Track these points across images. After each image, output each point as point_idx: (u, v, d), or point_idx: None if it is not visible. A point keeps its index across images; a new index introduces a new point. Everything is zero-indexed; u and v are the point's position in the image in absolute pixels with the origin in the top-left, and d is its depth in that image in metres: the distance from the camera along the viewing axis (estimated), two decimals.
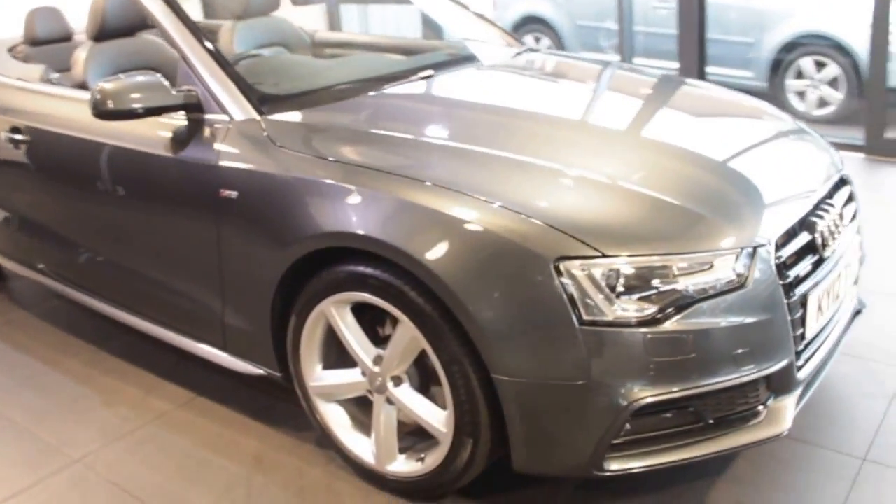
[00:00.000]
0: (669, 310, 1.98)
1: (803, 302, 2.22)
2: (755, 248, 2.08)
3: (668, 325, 1.97)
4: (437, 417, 2.24)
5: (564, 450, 2.09)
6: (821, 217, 2.35)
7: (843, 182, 2.62)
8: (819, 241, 2.30)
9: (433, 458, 2.28)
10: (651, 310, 1.97)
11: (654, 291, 1.98)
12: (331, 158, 2.32)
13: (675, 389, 2.01)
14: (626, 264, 1.98)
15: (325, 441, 2.62)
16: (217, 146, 2.52)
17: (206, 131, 2.58)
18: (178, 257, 2.70)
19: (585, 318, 1.96)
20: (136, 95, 2.54)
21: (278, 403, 2.86)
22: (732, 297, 2.02)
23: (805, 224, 2.30)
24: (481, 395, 2.11)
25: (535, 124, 2.65)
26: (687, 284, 2.00)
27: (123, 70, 3.24)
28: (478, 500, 2.35)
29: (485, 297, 2.01)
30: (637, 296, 1.98)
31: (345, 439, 2.47)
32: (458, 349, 2.09)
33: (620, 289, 1.98)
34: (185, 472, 2.54)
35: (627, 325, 1.97)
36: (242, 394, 2.93)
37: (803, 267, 2.24)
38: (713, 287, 2.01)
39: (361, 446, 2.45)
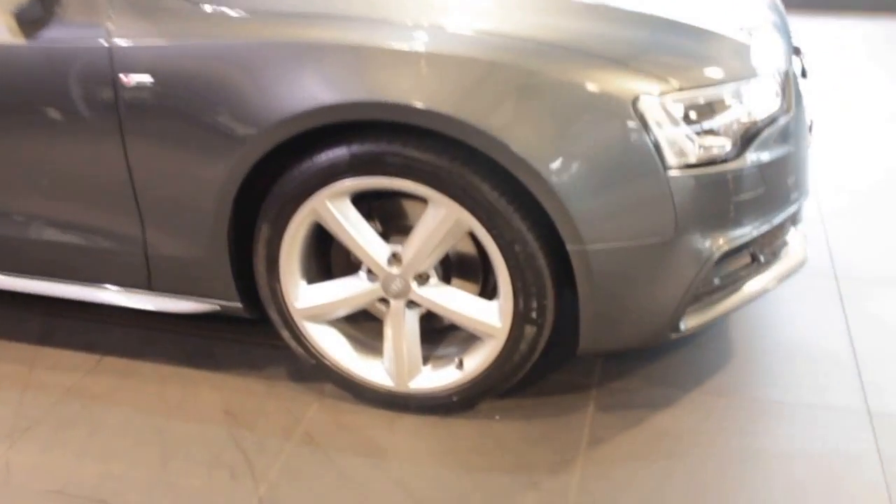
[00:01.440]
0: (742, 142, 1.79)
1: (810, 126, 2.15)
2: (786, 72, 1.94)
3: (744, 160, 1.78)
4: (486, 311, 1.88)
5: (642, 317, 1.85)
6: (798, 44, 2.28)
7: None
8: (805, 66, 2.23)
9: (477, 361, 1.93)
10: (727, 144, 1.76)
11: (726, 123, 1.77)
12: (311, 13, 1.77)
13: (749, 230, 1.85)
14: (700, 96, 1.73)
15: (303, 374, 2.17)
16: (103, 20, 1.84)
17: (75, 2, 1.88)
18: (64, 181, 1.99)
19: (670, 162, 1.71)
20: None
21: (212, 344, 2.30)
22: (782, 122, 1.86)
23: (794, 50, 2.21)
24: (549, 275, 1.80)
25: None
26: (751, 112, 1.81)
27: None
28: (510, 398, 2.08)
29: (559, 156, 1.66)
30: (712, 130, 1.76)
31: (348, 364, 2.02)
32: (520, 225, 1.74)
33: (697, 124, 1.74)
34: (147, 449, 1.95)
35: (710, 163, 1.74)
36: (161, 341, 2.32)
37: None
38: (771, 114, 1.84)
39: (370, 368, 2.02)
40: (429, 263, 1.87)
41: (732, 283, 1.96)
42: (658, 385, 2.10)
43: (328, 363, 2.03)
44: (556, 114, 1.67)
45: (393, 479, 1.85)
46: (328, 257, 2.05)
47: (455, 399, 1.99)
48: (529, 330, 1.85)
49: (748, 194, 1.83)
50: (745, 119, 1.79)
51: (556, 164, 1.66)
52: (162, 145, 1.87)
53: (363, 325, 2.09)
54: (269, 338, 2.27)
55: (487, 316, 1.88)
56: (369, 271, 1.94)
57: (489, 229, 1.75)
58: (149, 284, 2.07)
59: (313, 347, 2.02)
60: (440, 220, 1.79)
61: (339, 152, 1.76)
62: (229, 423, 2.02)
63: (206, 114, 1.80)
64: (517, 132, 1.65)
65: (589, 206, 1.70)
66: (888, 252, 2.71)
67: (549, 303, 1.82)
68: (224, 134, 1.80)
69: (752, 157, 1.79)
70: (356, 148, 1.75)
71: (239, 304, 2.04)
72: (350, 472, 1.87)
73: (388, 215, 1.96)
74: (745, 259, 1.96)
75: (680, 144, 1.71)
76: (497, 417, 2.01)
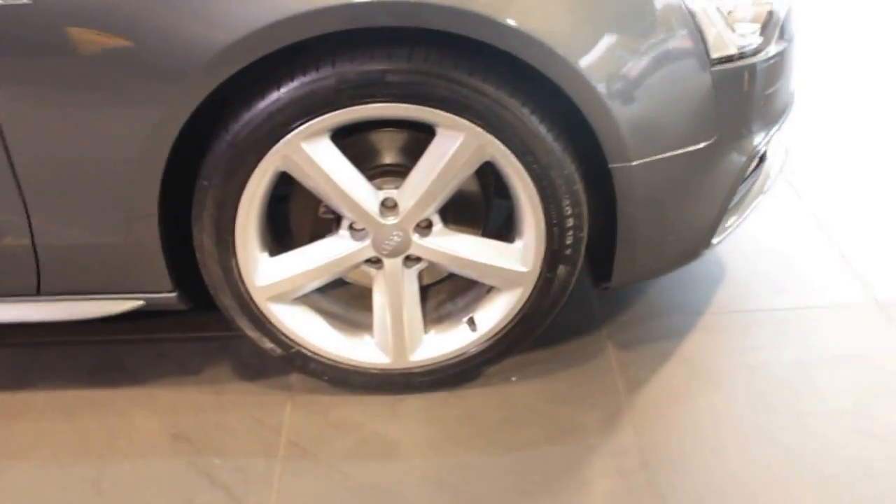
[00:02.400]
0: (767, 28, 1.57)
1: None
2: None
3: (771, 49, 1.56)
4: (509, 255, 1.54)
5: (682, 235, 1.61)
6: None
7: None
8: None
9: (495, 316, 1.59)
10: (757, 33, 1.54)
11: (757, 10, 1.54)
12: None
13: (771, 128, 1.66)
14: None
15: (254, 369, 1.73)
16: None
17: None
18: None
19: (713, 55, 1.45)
20: None
21: (117, 351, 1.76)
22: (789, 8, 1.68)
23: None
24: (586, 203, 1.49)
25: None
26: None
27: None
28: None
29: (605, 56, 1.35)
30: (745, 18, 1.52)
31: (331, 347, 1.61)
32: (556, 146, 1.41)
33: (734, 12, 1.49)
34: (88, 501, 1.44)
35: (746, 55, 1.51)
36: (47, 359, 1.74)
37: None
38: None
39: (358, 347, 1.62)
40: (435, 207, 1.50)
41: (744, 187, 1.78)
42: (665, 312, 1.88)
43: (306, 351, 1.60)
44: (606, 15, 1.35)
45: (422, 478, 1.49)
46: (282, 223, 1.60)
47: (473, 365, 1.65)
48: (563, 270, 1.54)
49: (772, 88, 1.62)
50: (770, 6, 1.57)
51: (602, 66, 1.34)
52: (50, 94, 1.32)
53: (333, 295, 1.68)
54: (190, 329, 1.80)
55: (512, 261, 1.54)
56: (351, 227, 1.53)
57: (521, 155, 1.41)
58: (38, 288, 1.51)
59: (283, 334, 1.58)
60: (456, 151, 1.41)
61: (320, 77, 1.32)
62: (187, 452, 1.53)
63: (121, 43, 1.28)
64: (557, 30, 1.31)
65: (636, 114, 1.40)
66: (821, 137, 2.66)
67: (585, 235, 1.53)
68: (148, 71, 1.29)
69: (776, 47, 1.59)
70: (346, 68, 1.32)
71: (173, 294, 1.54)
72: (367, 479, 1.49)
73: (358, 154, 1.54)
74: (755, 160, 1.78)
75: (722, 34, 1.45)
76: (513, 379, 1.70)
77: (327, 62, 1.32)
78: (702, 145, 1.50)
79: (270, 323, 1.57)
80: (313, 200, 1.56)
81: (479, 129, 1.38)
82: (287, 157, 1.40)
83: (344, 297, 1.69)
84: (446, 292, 1.73)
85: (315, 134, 1.38)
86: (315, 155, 1.40)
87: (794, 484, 1.46)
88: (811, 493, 1.45)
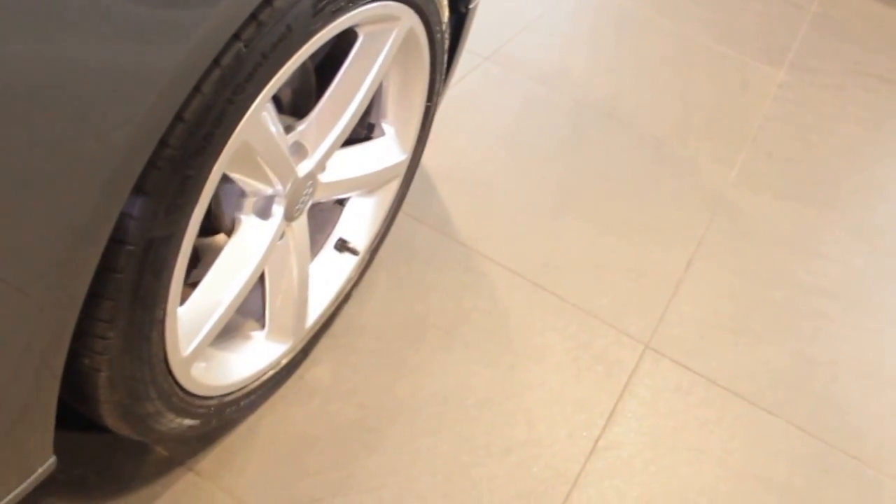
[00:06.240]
0: None
1: None
2: None
3: None
4: (389, 149, 1.23)
5: None
6: None
7: None
8: None
9: (368, 224, 1.31)
10: None
11: None
12: None
13: None
14: None
15: (126, 475, 1.11)
16: None
17: None
18: None
19: None
20: None
21: None
22: None
23: None
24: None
25: None
26: None
27: None
28: None
29: None
30: None
31: (238, 373, 1.10)
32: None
33: None
34: None
35: None
36: None
37: None
38: None
39: (257, 353, 1.15)
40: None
41: None
42: None
43: (221, 399, 1.06)
44: None
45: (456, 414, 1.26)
46: None
47: (350, 290, 1.33)
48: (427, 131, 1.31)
49: None
50: None
51: None
52: None
53: None
54: None
55: (394, 154, 1.23)
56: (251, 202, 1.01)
57: (433, 26, 1.10)
58: None
59: (202, 398, 1.02)
60: (390, 47, 1.02)
61: None
62: None
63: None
64: None
65: None
66: None
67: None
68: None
69: None
70: None
71: (52, 459, 0.84)
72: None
73: None
74: None
75: None
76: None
77: None
78: None
79: (194, 396, 0.99)
80: None
81: (411, 11, 1.02)
82: (244, 145, 0.82)
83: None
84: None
85: (272, 90, 0.84)
86: (269, 123, 0.86)
87: None
88: None
